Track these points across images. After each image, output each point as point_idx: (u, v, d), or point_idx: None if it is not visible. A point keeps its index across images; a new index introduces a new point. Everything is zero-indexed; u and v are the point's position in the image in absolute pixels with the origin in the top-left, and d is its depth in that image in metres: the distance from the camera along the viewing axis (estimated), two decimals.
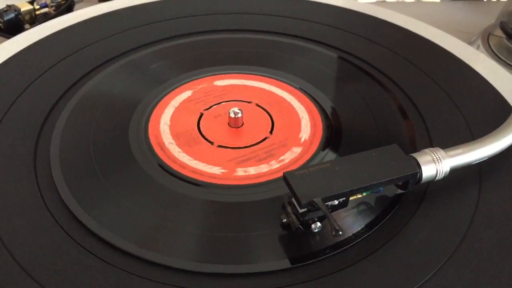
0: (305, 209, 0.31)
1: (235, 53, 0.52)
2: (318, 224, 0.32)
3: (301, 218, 0.31)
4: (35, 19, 0.66)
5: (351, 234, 0.33)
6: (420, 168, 0.33)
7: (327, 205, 0.31)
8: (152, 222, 0.34)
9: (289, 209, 0.33)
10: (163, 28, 0.55)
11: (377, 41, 0.53)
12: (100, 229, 0.33)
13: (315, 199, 0.30)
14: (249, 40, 0.54)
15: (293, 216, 0.32)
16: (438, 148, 0.35)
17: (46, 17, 0.66)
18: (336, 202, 0.32)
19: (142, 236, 0.33)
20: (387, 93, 0.46)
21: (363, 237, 0.33)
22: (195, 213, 0.35)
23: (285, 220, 0.32)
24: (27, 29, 0.62)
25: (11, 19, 0.63)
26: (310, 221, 0.32)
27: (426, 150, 0.35)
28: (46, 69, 0.48)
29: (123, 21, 0.56)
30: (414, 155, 0.34)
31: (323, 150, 0.40)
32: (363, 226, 0.34)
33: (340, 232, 0.29)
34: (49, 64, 0.49)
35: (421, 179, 0.34)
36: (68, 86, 0.46)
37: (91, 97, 0.45)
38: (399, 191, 0.35)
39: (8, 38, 0.54)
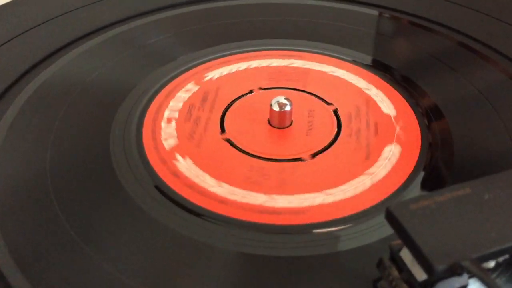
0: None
1: (260, 24, 0.37)
2: None
3: None
4: None
5: None
6: None
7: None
8: None
9: (394, 272, 0.18)
10: None
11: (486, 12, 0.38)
12: None
13: (463, 263, 0.16)
14: (283, 6, 0.39)
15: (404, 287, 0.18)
16: None
17: None
18: (492, 263, 0.17)
19: None
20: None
21: None
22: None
23: None
24: None
25: None
26: None
27: None
28: None
29: None
30: None
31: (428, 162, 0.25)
32: None
33: None
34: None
35: None
36: (21, 73, 0.31)
37: (54, 86, 0.30)
38: None
39: None
